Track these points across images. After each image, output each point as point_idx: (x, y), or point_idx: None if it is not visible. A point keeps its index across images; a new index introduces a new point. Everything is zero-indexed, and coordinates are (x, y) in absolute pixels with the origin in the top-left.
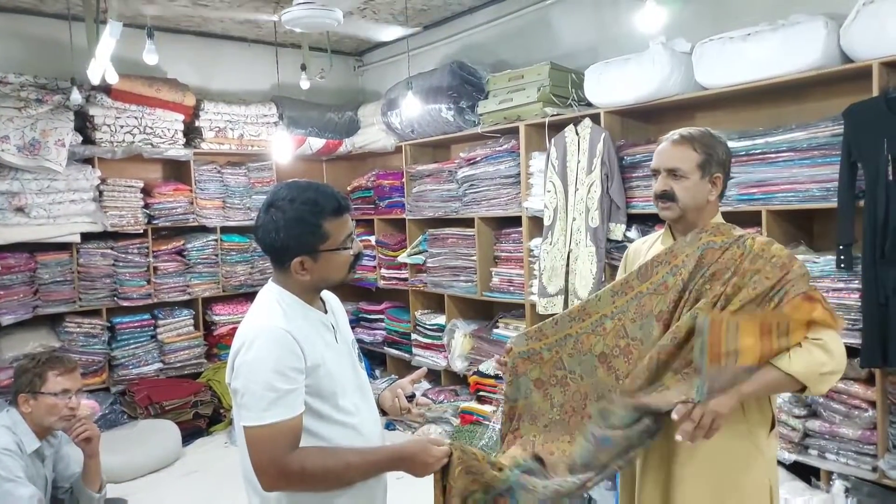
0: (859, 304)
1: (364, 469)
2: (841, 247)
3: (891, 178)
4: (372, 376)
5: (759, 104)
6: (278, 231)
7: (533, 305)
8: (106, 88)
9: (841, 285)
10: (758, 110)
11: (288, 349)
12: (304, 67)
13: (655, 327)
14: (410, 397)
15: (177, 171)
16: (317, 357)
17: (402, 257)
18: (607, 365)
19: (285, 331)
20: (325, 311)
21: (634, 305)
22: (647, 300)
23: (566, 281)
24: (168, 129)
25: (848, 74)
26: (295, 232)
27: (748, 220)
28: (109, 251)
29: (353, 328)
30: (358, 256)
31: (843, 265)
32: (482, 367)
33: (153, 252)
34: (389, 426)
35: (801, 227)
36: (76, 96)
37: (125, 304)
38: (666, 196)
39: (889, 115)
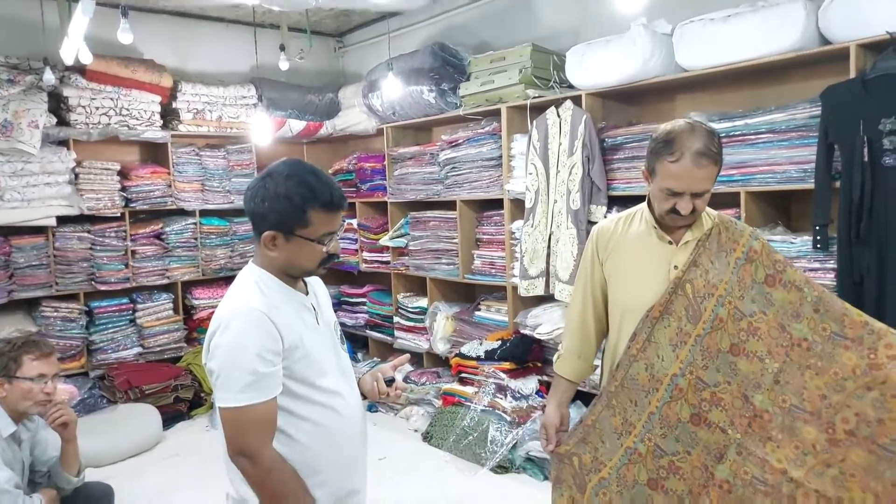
0: (835, 283)
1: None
2: (817, 227)
3: (866, 159)
4: (354, 359)
5: (739, 86)
6: (264, 200)
7: (515, 288)
8: (80, 69)
9: (817, 265)
10: (738, 92)
11: (264, 331)
12: (282, 48)
13: (737, 361)
14: (390, 381)
15: (154, 154)
16: (294, 338)
17: (384, 240)
18: (706, 424)
19: (262, 312)
20: (307, 293)
21: (699, 351)
22: (708, 340)
23: (547, 263)
24: (145, 111)
25: (826, 56)
26: (278, 206)
27: (727, 201)
28: (86, 235)
29: (335, 311)
30: (332, 256)
31: (819, 245)
32: (465, 350)
33: (131, 236)
34: (372, 408)
35: (779, 208)
36: (49, 76)
37: (103, 288)
38: (690, 214)
39: (865, 97)
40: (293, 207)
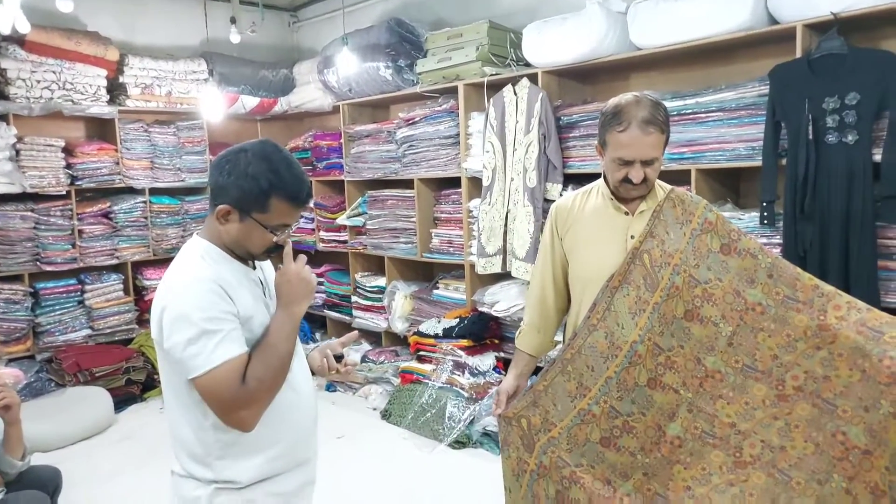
0: (781, 257)
1: (282, 337)
2: (764, 203)
3: (811, 137)
4: (312, 339)
5: (691, 65)
6: (230, 173)
7: (473, 266)
8: (19, 40)
9: (764, 241)
10: (690, 71)
11: (218, 295)
12: (233, 20)
13: (690, 327)
14: (339, 357)
15: (101, 130)
16: (248, 309)
17: (341, 219)
18: (661, 386)
19: (213, 280)
20: (254, 268)
21: (656, 318)
22: (664, 308)
23: (504, 241)
24: (90, 85)
25: (774, 36)
26: (243, 184)
27: (678, 179)
28: (30, 214)
29: None
30: (279, 247)
31: (766, 221)
32: (423, 328)
33: (78, 214)
34: (330, 388)
35: (729, 185)
36: None
37: (49, 268)
38: (642, 183)
39: (810, 76)
40: (258, 190)
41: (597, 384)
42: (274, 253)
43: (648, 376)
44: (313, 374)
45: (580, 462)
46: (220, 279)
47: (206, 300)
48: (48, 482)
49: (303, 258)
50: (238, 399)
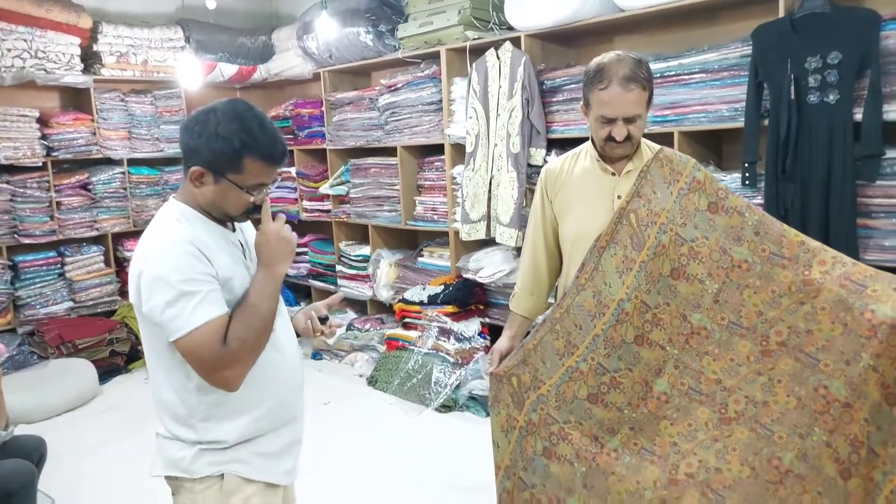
0: (768, 214)
1: (263, 297)
2: (746, 164)
3: (793, 97)
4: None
5: (674, 27)
6: (201, 134)
7: (457, 233)
8: None
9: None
10: (673, 34)
11: (195, 258)
12: None
13: (676, 285)
14: (324, 319)
15: (76, 100)
16: (226, 270)
17: (324, 188)
18: (647, 343)
19: (189, 242)
20: (233, 230)
21: (643, 276)
22: (651, 266)
23: (488, 207)
24: (63, 54)
25: None
26: (215, 145)
27: (661, 142)
28: (5, 186)
29: None
30: (258, 207)
31: (748, 182)
32: (409, 295)
33: (55, 186)
34: (316, 356)
35: (711, 148)
36: None
37: (27, 241)
38: (625, 140)
39: (793, 36)
40: (230, 150)
41: (584, 342)
42: (252, 214)
43: (635, 333)
44: (298, 336)
45: (568, 419)
46: (196, 241)
47: (183, 262)
48: (33, 451)
49: (282, 217)
50: (221, 360)
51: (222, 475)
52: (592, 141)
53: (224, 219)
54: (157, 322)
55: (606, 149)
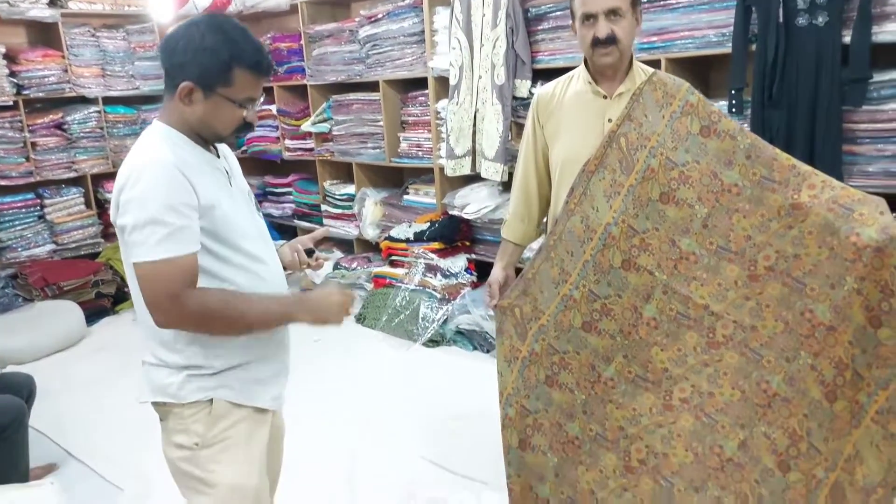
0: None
1: (266, 315)
2: (733, 91)
3: (781, 20)
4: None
5: None
6: (186, 49)
7: (442, 169)
8: None
9: None
10: None
11: (178, 183)
12: None
13: (665, 209)
14: (310, 252)
15: (45, 35)
16: (210, 197)
17: (306, 126)
18: (635, 268)
19: (174, 165)
20: (218, 157)
21: (631, 200)
22: (639, 190)
23: (473, 141)
24: None
25: None
26: (202, 59)
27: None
28: None
29: (260, 203)
30: (248, 125)
31: (734, 109)
32: (395, 233)
33: (28, 126)
34: None
35: (699, 75)
36: None
37: (3, 182)
38: (609, 40)
39: None
40: (219, 62)
41: (576, 269)
42: (243, 133)
43: (622, 258)
44: (285, 269)
45: (567, 349)
46: (182, 165)
47: (164, 187)
48: (22, 387)
49: (355, 296)
50: (167, 300)
51: (211, 400)
52: (585, 62)
53: (213, 139)
54: (124, 241)
55: (595, 58)
